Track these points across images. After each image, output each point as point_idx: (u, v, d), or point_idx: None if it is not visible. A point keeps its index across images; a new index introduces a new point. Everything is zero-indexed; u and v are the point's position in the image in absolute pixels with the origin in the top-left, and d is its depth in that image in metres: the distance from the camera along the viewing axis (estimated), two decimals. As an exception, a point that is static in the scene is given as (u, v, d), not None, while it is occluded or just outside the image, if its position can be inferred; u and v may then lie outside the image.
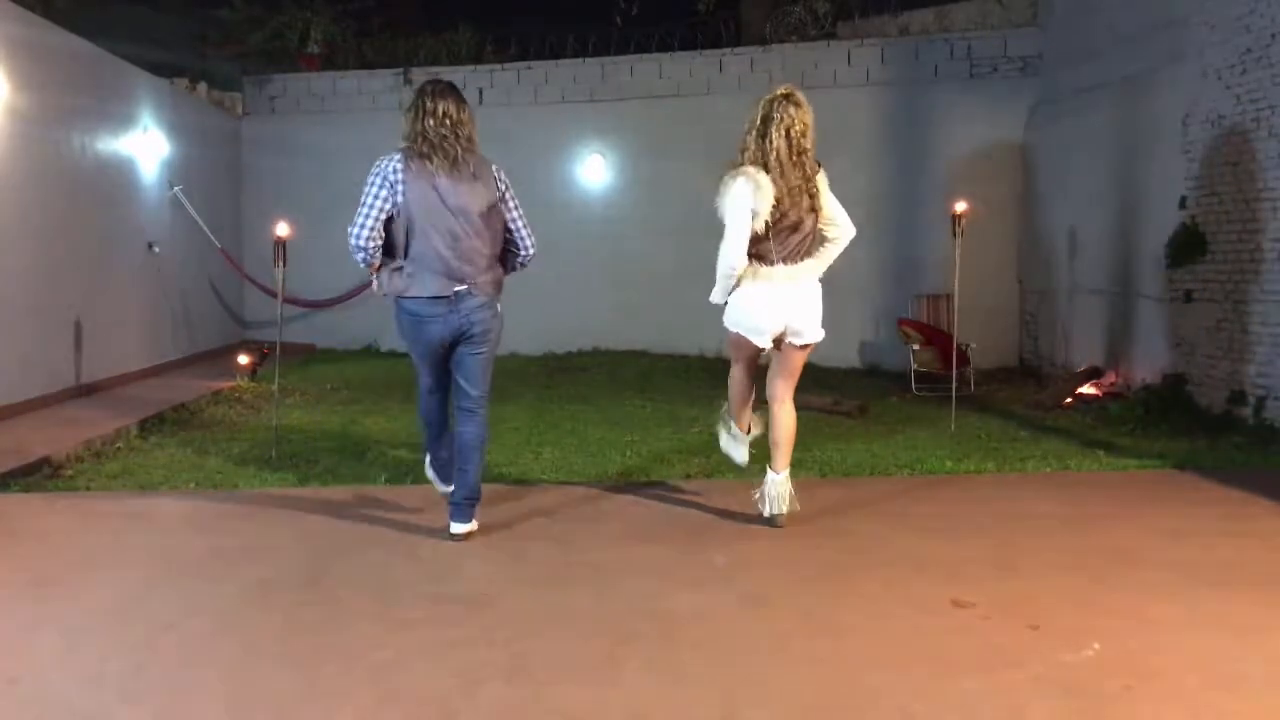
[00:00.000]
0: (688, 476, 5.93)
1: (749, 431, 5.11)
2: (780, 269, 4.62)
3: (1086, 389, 8.57)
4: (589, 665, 3.25)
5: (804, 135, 4.56)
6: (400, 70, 12.48)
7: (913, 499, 5.32)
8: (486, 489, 5.49)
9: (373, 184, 4.29)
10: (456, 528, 4.52)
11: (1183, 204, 7.74)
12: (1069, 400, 8.38)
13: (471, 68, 12.29)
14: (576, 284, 11.81)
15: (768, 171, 4.52)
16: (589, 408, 8.30)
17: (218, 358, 10.79)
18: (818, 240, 4.69)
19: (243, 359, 9.43)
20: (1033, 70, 10.86)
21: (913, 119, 11.19)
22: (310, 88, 12.66)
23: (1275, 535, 4.63)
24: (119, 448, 6.64)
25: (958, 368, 7.98)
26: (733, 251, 4.59)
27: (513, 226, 4.53)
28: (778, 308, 4.64)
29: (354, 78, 12.61)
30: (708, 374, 10.24)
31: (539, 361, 11.34)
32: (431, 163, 4.26)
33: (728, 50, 12.01)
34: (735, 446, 5.14)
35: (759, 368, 4.93)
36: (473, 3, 13.62)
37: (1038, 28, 10.95)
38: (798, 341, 4.72)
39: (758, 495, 4.80)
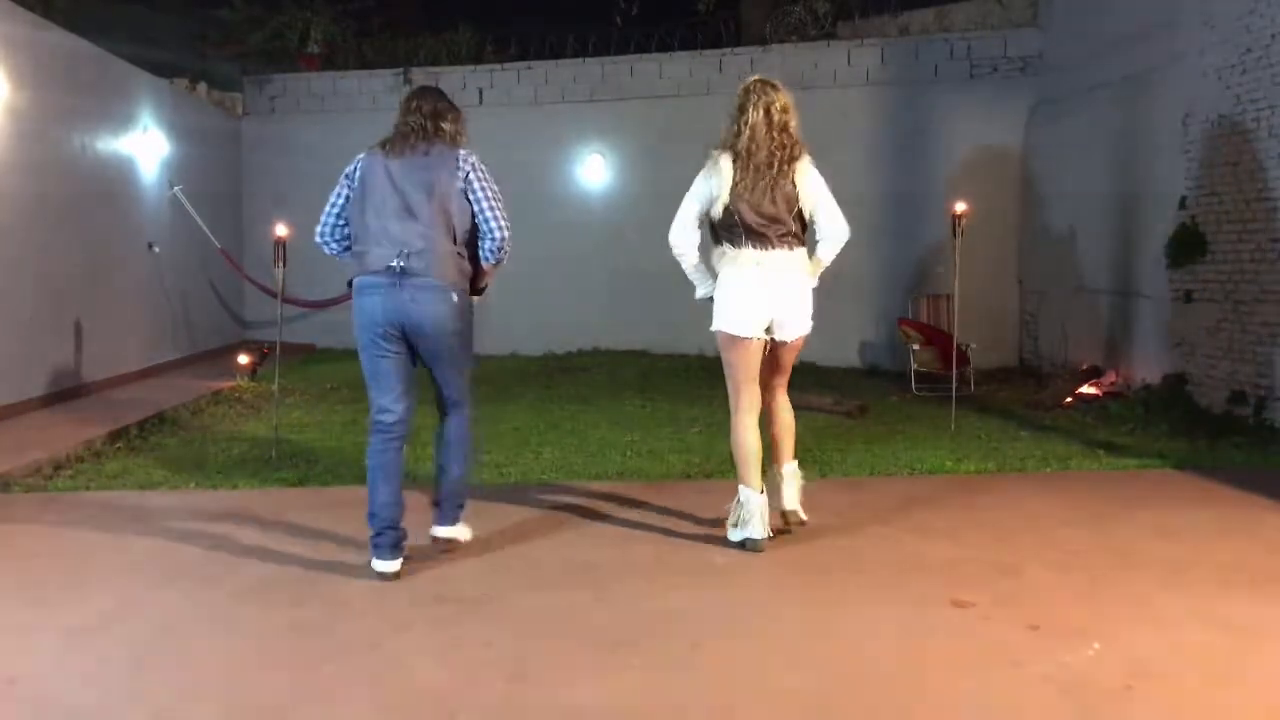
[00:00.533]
0: (688, 476, 5.93)
1: (762, 491, 4.48)
2: (749, 252, 4.44)
3: (1086, 389, 8.57)
4: (589, 665, 3.25)
5: (785, 112, 4.46)
6: (400, 70, 12.48)
7: (913, 499, 5.31)
8: (486, 489, 5.51)
9: (339, 183, 4.34)
10: (441, 531, 4.39)
11: (1183, 204, 7.74)
12: (1069, 400, 8.38)
13: (471, 68, 12.29)
14: (576, 284, 11.81)
15: (735, 152, 4.44)
16: (589, 408, 8.30)
17: (218, 358, 10.79)
18: (799, 231, 4.51)
19: (243, 359, 9.43)
20: (1033, 70, 10.86)
21: (913, 119, 11.19)
22: (310, 88, 12.66)
23: (1275, 535, 4.63)
24: (119, 448, 6.64)
25: (958, 368, 7.98)
26: (674, 229, 4.56)
27: (478, 212, 4.22)
28: (759, 297, 4.44)
29: (354, 78, 12.61)
30: (708, 374, 10.22)
31: (539, 361, 11.34)
32: (385, 147, 4.25)
33: (728, 50, 12.00)
34: (748, 524, 4.41)
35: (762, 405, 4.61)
36: (473, 3, 13.62)
37: (1038, 28, 10.94)
38: (782, 336, 4.51)
39: (781, 497, 4.67)
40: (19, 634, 3.54)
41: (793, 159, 4.46)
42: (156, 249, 9.92)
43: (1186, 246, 7.64)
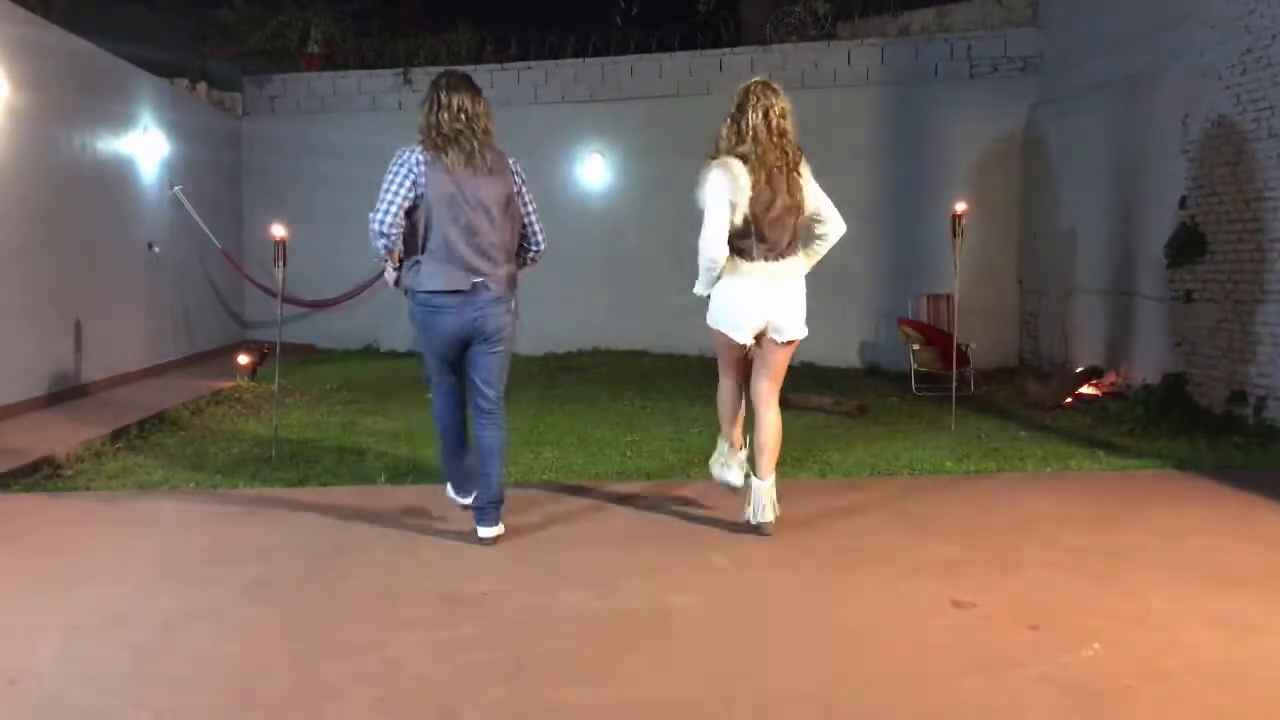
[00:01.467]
0: (688, 476, 5.92)
1: (741, 448, 4.86)
2: (761, 265, 4.48)
3: (1086, 389, 8.57)
4: (589, 665, 3.25)
5: (783, 117, 4.45)
6: (400, 70, 12.49)
7: (913, 499, 5.31)
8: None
9: (396, 173, 4.24)
10: (484, 532, 4.48)
11: (1183, 204, 7.74)
12: (1069, 400, 8.38)
13: (471, 68, 12.23)
14: (576, 284, 11.80)
15: (745, 158, 4.40)
16: (589, 408, 8.30)
17: (218, 358, 10.79)
18: (802, 236, 4.57)
19: (243, 359, 9.43)
20: (1033, 70, 10.86)
21: (913, 119, 11.19)
22: (310, 88, 12.66)
23: (1275, 535, 4.64)
24: (119, 448, 6.64)
25: (958, 368, 7.98)
26: (712, 242, 4.46)
27: (527, 221, 4.50)
28: (757, 303, 4.51)
29: (354, 78, 12.61)
30: (708, 374, 10.19)
31: (539, 361, 11.33)
32: (447, 155, 4.23)
33: (728, 50, 12.01)
34: (727, 469, 4.86)
35: (747, 378, 4.77)
36: (473, 3, 13.62)
37: (1038, 28, 10.94)
38: (778, 339, 4.57)
39: (747, 505, 4.68)
40: (19, 634, 3.54)
41: (796, 164, 4.49)
42: (156, 249, 9.92)
43: (1186, 246, 7.64)
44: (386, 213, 4.22)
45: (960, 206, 7.37)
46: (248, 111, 12.62)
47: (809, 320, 4.65)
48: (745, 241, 4.47)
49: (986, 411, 8.07)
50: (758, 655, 3.33)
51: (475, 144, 4.28)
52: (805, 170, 4.52)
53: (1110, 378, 8.70)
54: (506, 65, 12.40)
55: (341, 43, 13.13)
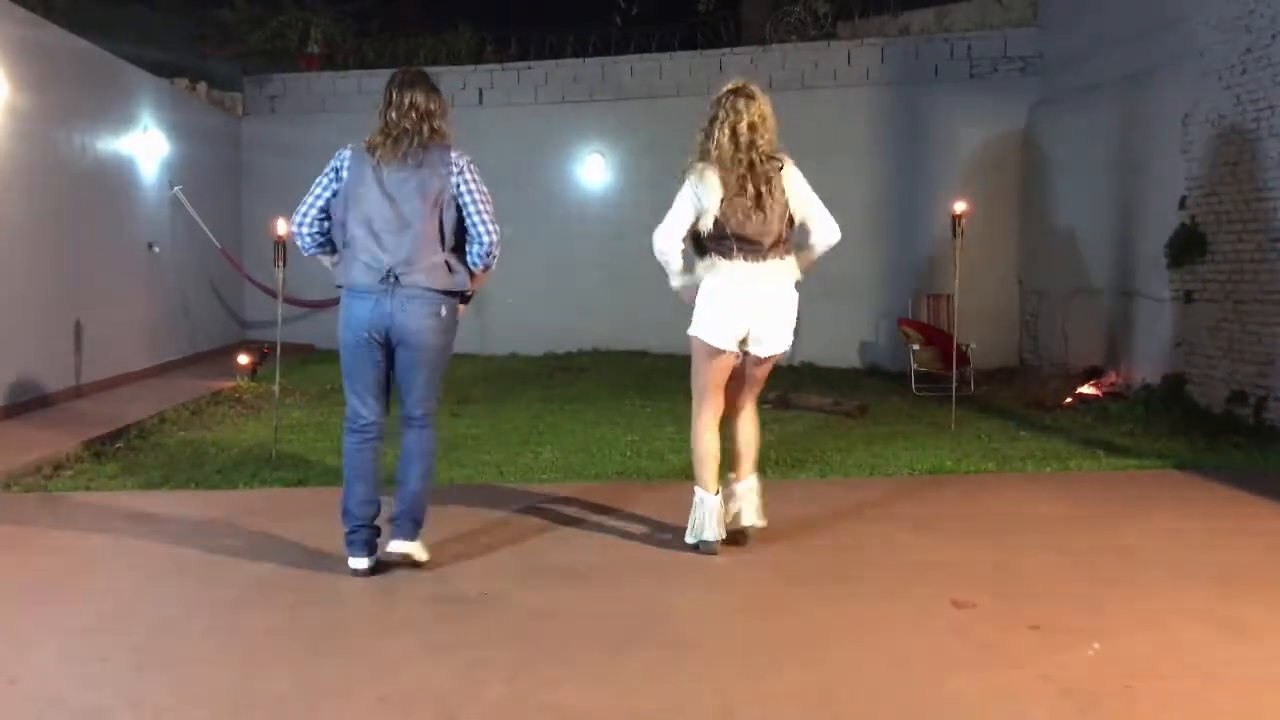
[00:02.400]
0: (688, 476, 5.90)
1: (718, 493, 4.43)
2: (741, 265, 4.29)
3: (1086, 389, 8.57)
4: (589, 665, 3.25)
5: (752, 129, 4.27)
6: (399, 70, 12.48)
7: (913, 499, 5.31)
8: (486, 489, 5.51)
9: (323, 174, 4.23)
10: (395, 546, 4.13)
11: (1183, 204, 7.74)
12: (1069, 400, 8.38)
13: (471, 68, 12.29)
14: (576, 284, 11.81)
15: (722, 165, 4.28)
16: (589, 408, 8.29)
17: (218, 358, 10.79)
18: (787, 242, 4.36)
19: (243, 359, 9.43)
20: (1033, 70, 10.85)
21: (913, 119, 11.19)
22: (310, 88, 12.66)
23: (1275, 535, 4.63)
24: (119, 448, 6.64)
25: (958, 368, 7.98)
26: (659, 233, 4.38)
27: (467, 216, 4.15)
28: (739, 309, 4.31)
29: (354, 78, 12.61)
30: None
31: (539, 361, 11.34)
32: (375, 152, 4.13)
33: (728, 50, 12.00)
34: (707, 521, 4.37)
35: (725, 410, 4.49)
36: (473, 3, 13.63)
37: (1038, 28, 10.94)
38: (758, 351, 4.37)
39: (731, 511, 4.46)
40: (19, 634, 3.54)
41: (771, 174, 4.29)
42: (156, 249, 9.91)
43: (1186, 246, 7.64)
44: (302, 214, 4.21)
45: (960, 206, 7.37)
46: (248, 111, 12.62)
47: (800, 328, 4.45)
48: (722, 244, 4.31)
49: (986, 411, 8.07)
50: (756, 655, 3.32)
51: (413, 141, 4.10)
52: (789, 173, 4.33)
53: (1110, 378, 8.70)
54: (506, 65, 12.40)
55: (341, 43, 13.13)
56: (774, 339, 4.37)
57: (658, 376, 10.15)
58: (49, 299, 7.94)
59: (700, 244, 4.42)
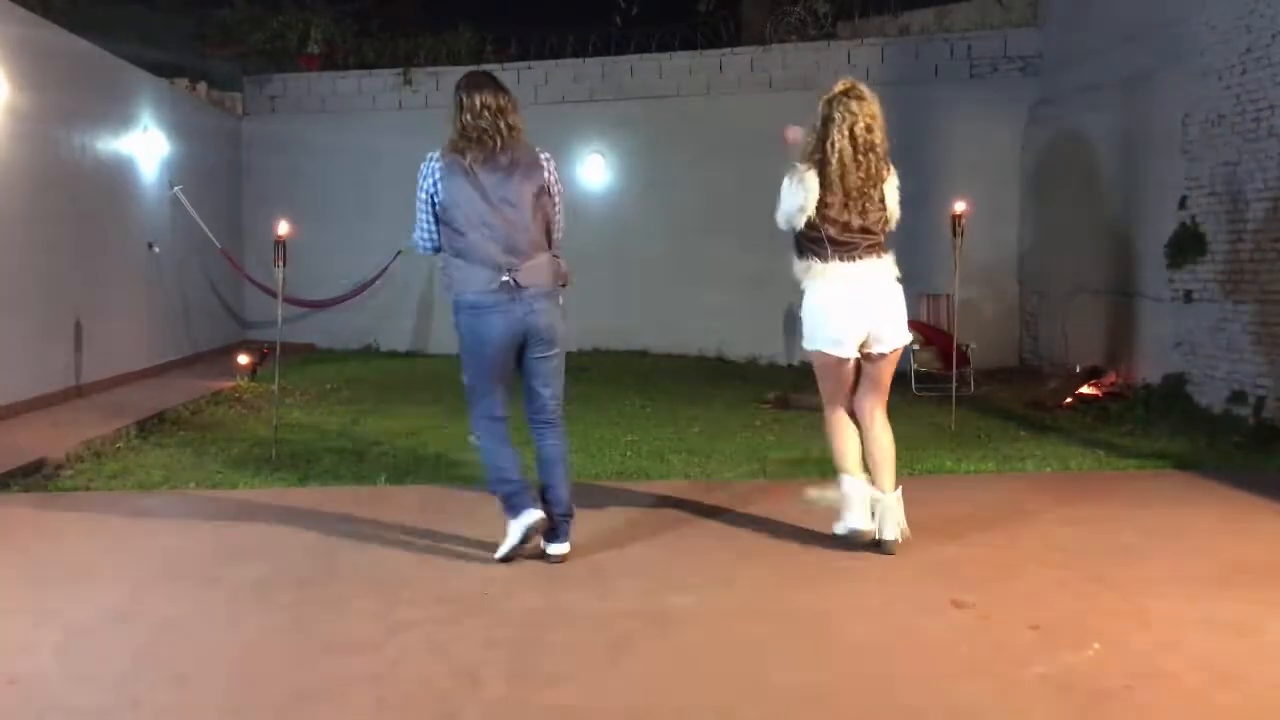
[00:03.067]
0: (688, 477, 5.92)
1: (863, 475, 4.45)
2: (837, 266, 4.29)
3: (1086, 389, 8.57)
4: (589, 665, 3.25)
5: (869, 131, 4.31)
6: (400, 70, 12.49)
7: (913, 499, 5.29)
8: (485, 490, 5.50)
9: (420, 187, 4.25)
10: (555, 549, 4.27)
11: (1183, 204, 7.74)
12: (1069, 400, 8.38)
13: (472, 68, 12.27)
14: (576, 284, 11.76)
15: (827, 174, 4.28)
16: (589, 408, 8.29)
17: (218, 358, 10.79)
18: (884, 242, 4.37)
19: (243, 359, 9.43)
20: (1033, 70, 10.86)
21: (913, 119, 11.14)
22: (310, 88, 12.66)
23: (1275, 535, 4.63)
24: (119, 448, 6.64)
25: (958, 368, 7.97)
26: (779, 216, 4.43)
27: (551, 214, 4.36)
28: (852, 311, 4.29)
29: (354, 78, 12.61)
30: (708, 374, 10.25)
31: (539, 361, 11.31)
32: (466, 156, 4.16)
33: (728, 50, 12.00)
34: (858, 509, 4.37)
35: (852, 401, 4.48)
36: (473, 3, 13.62)
37: (1038, 28, 10.94)
38: (880, 349, 4.34)
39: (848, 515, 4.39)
40: (19, 634, 3.54)
41: (881, 180, 4.34)
42: (156, 249, 9.92)
43: (1186, 246, 7.64)
44: (421, 228, 4.28)
45: (960, 206, 7.37)
46: (248, 111, 12.62)
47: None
48: (818, 245, 4.33)
49: (986, 411, 8.06)
50: (758, 655, 3.32)
51: (498, 141, 4.16)
52: (893, 179, 4.40)
53: (1110, 378, 8.70)
54: (506, 65, 12.39)
55: (341, 43, 13.13)
56: (893, 334, 4.36)
57: (658, 376, 10.16)
58: (49, 299, 7.94)
59: (799, 244, 4.43)
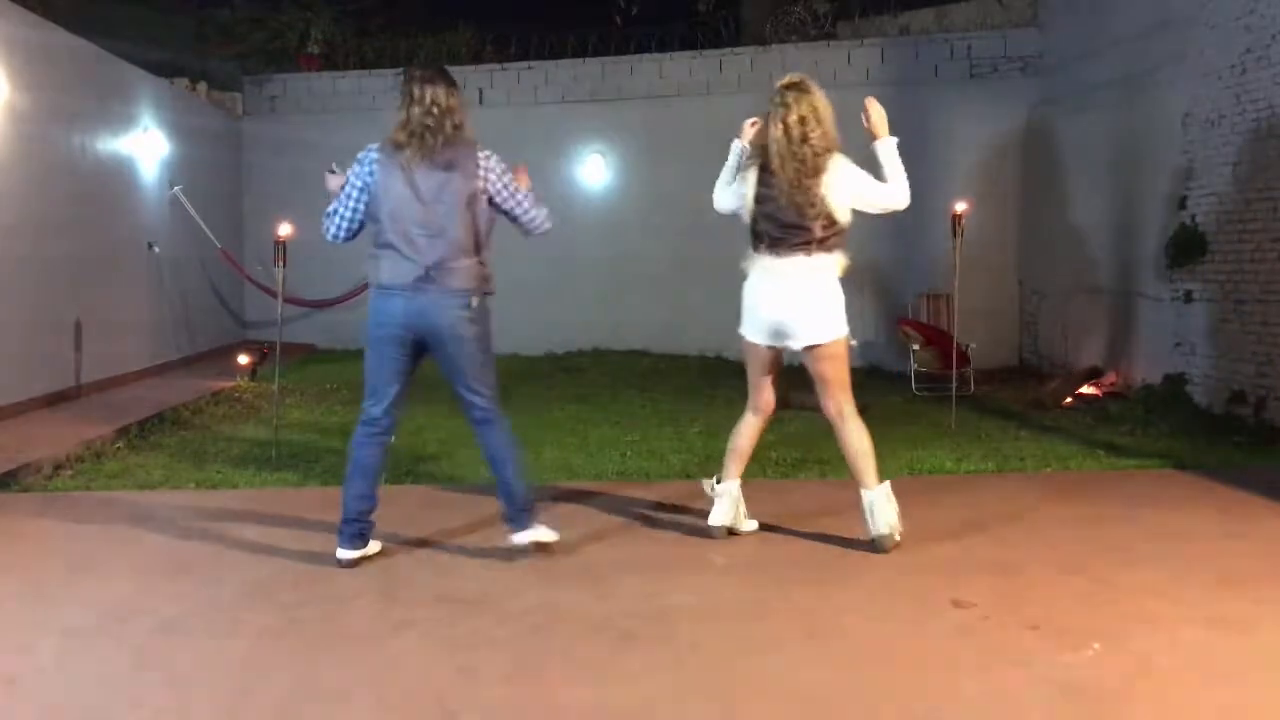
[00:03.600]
0: (687, 476, 5.92)
1: (720, 484, 4.66)
2: (764, 259, 4.44)
3: (1086, 389, 8.57)
4: (589, 665, 3.25)
5: (803, 124, 4.34)
6: (400, 70, 12.43)
7: (913, 499, 5.30)
8: (486, 488, 5.50)
9: (350, 182, 4.23)
10: (518, 538, 4.29)
11: (1183, 204, 7.74)
12: (1069, 400, 8.38)
13: (471, 68, 12.28)
14: (576, 284, 11.81)
15: (763, 164, 4.43)
16: (589, 408, 8.30)
17: (218, 358, 10.79)
18: (825, 237, 4.37)
19: (243, 359, 9.43)
20: (1033, 70, 10.85)
21: (913, 119, 11.10)
22: (310, 88, 12.66)
23: (1275, 535, 4.63)
24: (119, 448, 6.64)
25: (958, 368, 7.98)
26: (714, 195, 4.74)
27: (508, 211, 4.31)
28: (767, 303, 4.43)
29: (354, 78, 12.61)
30: (707, 374, 10.24)
31: (539, 361, 11.34)
32: (403, 152, 4.14)
33: (728, 50, 12.01)
34: (717, 506, 4.63)
35: (769, 409, 4.62)
36: (473, 3, 13.63)
37: (1038, 28, 10.94)
38: (794, 344, 4.43)
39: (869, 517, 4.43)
40: (19, 634, 3.54)
41: (816, 171, 4.34)
42: (156, 249, 9.91)
43: (1186, 246, 7.64)
44: (337, 225, 4.25)
45: (960, 206, 7.37)
46: (248, 111, 12.62)
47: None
48: (756, 236, 4.51)
49: (986, 411, 8.06)
50: (756, 654, 3.32)
51: (439, 139, 4.13)
52: (835, 169, 4.36)
53: (1110, 378, 8.70)
54: (506, 65, 12.40)
55: (341, 43, 13.13)
56: (806, 330, 4.40)
57: (658, 376, 10.16)
58: (49, 299, 7.94)
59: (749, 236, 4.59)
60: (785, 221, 4.38)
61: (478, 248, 4.23)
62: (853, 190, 4.39)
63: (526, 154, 11.50)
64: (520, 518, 4.29)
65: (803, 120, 4.35)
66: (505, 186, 4.27)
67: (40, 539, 4.69)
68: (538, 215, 4.37)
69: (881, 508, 4.40)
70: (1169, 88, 7.98)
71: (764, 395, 4.61)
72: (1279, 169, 6.76)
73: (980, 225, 9.41)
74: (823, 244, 4.38)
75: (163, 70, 10.56)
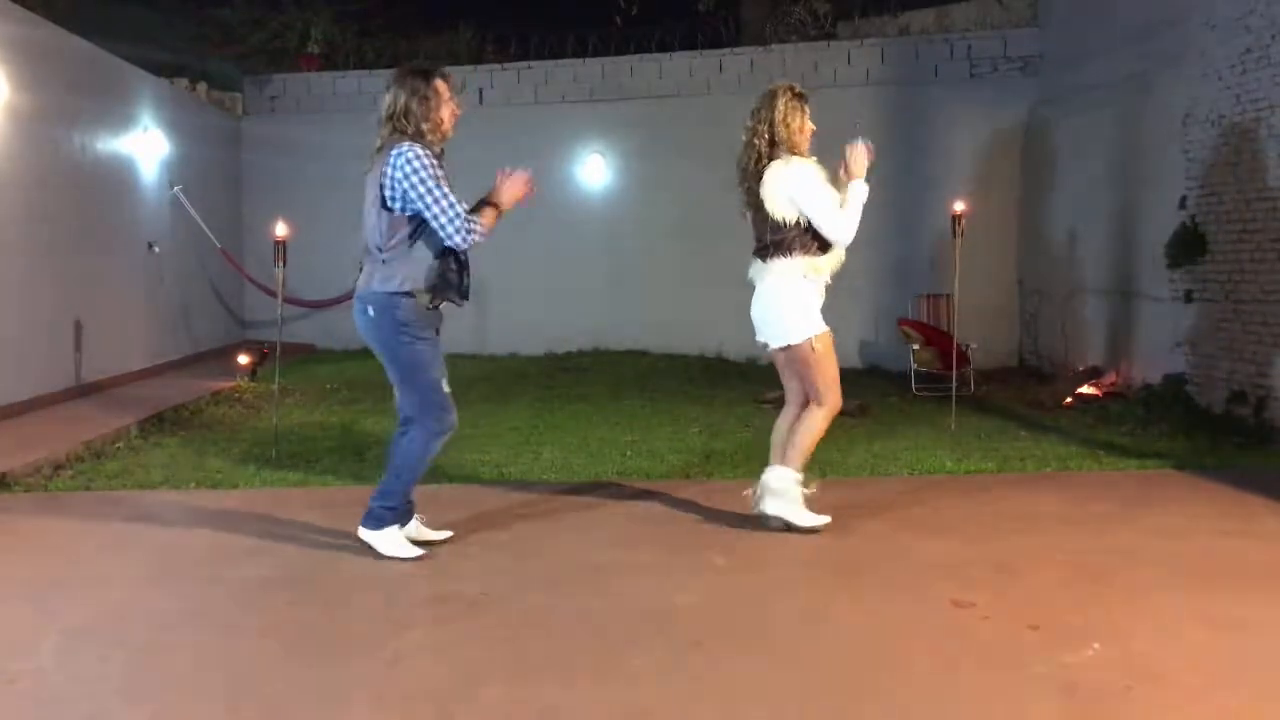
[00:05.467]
0: (687, 476, 5.92)
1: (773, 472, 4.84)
2: (753, 262, 4.72)
3: (1086, 389, 8.57)
4: (589, 665, 3.25)
5: (751, 131, 4.61)
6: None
7: (913, 499, 5.31)
8: (486, 488, 5.52)
9: (430, 175, 4.05)
10: (361, 530, 4.33)
11: (1183, 204, 7.74)
12: (1069, 400, 8.38)
13: (471, 68, 12.29)
14: (576, 284, 11.81)
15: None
16: (589, 408, 8.30)
17: (218, 358, 10.79)
18: (783, 239, 4.54)
19: (243, 359, 9.43)
20: (1033, 70, 10.85)
21: (913, 119, 11.18)
22: (310, 88, 12.66)
23: (1275, 535, 4.63)
24: (119, 448, 6.64)
25: (958, 368, 7.98)
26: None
27: (381, 219, 4.11)
28: (752, 306, 4.73)
29: (354, 78, 12.61)
30: (708, 374, 10.24)
31: (539, 361, 11.34)
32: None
33: (728, 50, 12.01)
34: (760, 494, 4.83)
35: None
36: (473, 3, 13.63)
37: (1038, 28, 10.94)
38: (767, 345, 4.73)
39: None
40: (19, 634, 3.54)
41: (757, 173, 4.57)
42: (156, 249, 9.91)
43: (1186, 246, 7.64)
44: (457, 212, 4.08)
45: (960, 206, 7.37)
46: (248, 111, 12.62)
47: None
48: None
49: (986, 411, 8.07)
50: (757, 655, 3.33)
51: (379, 143, 4.16)
52: (773, 173, 4.53)
53: (1110, 378, 8.70)
54: (506, 65, 12.40)
55: (341, 43, 13.13)
56: (766, 333, 4.69)
57: (658, 376, 10.16)
58: (49, 299, 7.94)
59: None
60: (751, 223, 4.68)
61: (388, 249, 4.10)
62: (794, 197, 4.51)
63: (526, 154, 11.54)
64: (372, 512, 4.29)
65: (753, 128, 4.61)
66: (412, 189, 4.00)
67: (40, 539, 4.69)
68: (447, 225, 4.02)
69: (782, 492, 4.64)
70: (1169, 88, 7.98)
71: (788, 388, 4.83)
72: (1279, 169, 6.76)
73: (980, 225, 9.40)
74: (778, 247, 4.54)
75: (163, 70, 10.56)
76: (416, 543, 4.34)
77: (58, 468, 6.03)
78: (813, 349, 4.54)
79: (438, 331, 4.31)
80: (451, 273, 4.16)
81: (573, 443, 6.88)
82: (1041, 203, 10.37)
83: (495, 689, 3.07)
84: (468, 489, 5.56)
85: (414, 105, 4.11)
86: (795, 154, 4.55)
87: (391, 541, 4.28)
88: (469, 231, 4.06)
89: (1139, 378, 8.28)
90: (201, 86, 11.83)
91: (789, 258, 4.54)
